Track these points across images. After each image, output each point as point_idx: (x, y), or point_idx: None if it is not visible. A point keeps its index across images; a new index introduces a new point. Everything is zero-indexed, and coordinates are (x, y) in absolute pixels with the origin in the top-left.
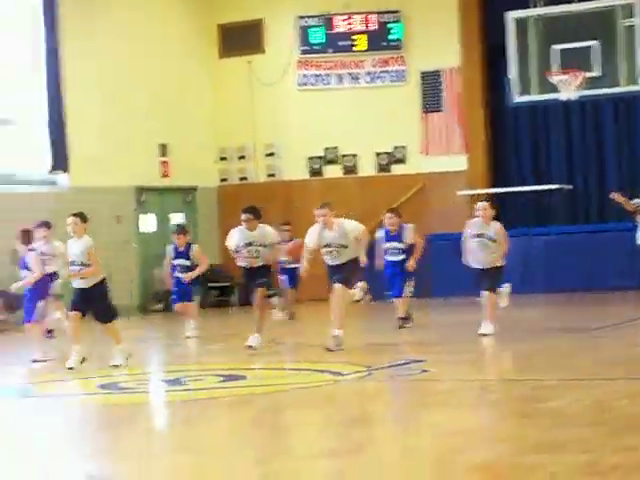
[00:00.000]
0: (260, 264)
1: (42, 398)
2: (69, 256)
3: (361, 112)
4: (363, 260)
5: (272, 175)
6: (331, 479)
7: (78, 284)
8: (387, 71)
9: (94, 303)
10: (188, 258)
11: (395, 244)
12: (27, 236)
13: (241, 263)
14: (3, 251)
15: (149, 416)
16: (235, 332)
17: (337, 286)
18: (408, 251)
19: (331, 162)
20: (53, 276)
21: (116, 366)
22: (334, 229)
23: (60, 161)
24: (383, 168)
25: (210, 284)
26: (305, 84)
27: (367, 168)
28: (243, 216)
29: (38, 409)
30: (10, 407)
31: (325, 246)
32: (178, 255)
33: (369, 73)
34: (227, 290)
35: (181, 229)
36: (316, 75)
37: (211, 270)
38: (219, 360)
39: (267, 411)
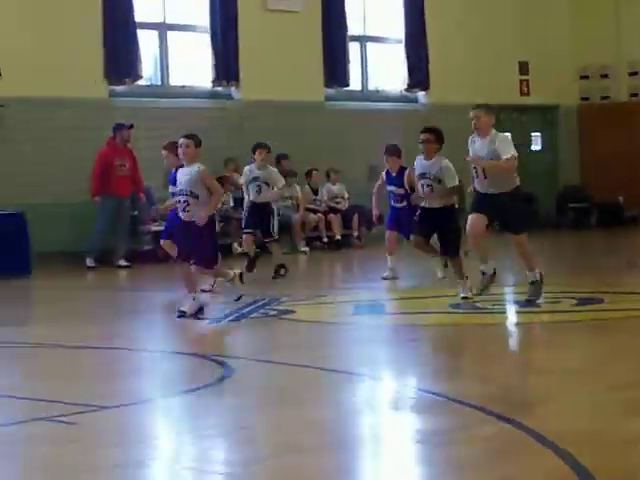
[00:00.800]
0: (437, 206)
1: (394, 315)
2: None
3: None
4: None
5: (635, 95)
6: None
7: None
8: None
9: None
10: (401, 185)
11: None
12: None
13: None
14: (360, 166)
15: (504, 337)
16: (596, 254)
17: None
18: None
19: None
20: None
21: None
22: (487, 140)
23: (420, 78)
24: None
25: (570, 204)
26: None
27: None
28: (422, 136)
29: (387, 325)
30: (363, 323)
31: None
32: (390, 181)
33: None
34: (585, 211)
35: (394, 150)
36: None
37: (570, 189)
38: (573, 282)
39: (625, 336)
